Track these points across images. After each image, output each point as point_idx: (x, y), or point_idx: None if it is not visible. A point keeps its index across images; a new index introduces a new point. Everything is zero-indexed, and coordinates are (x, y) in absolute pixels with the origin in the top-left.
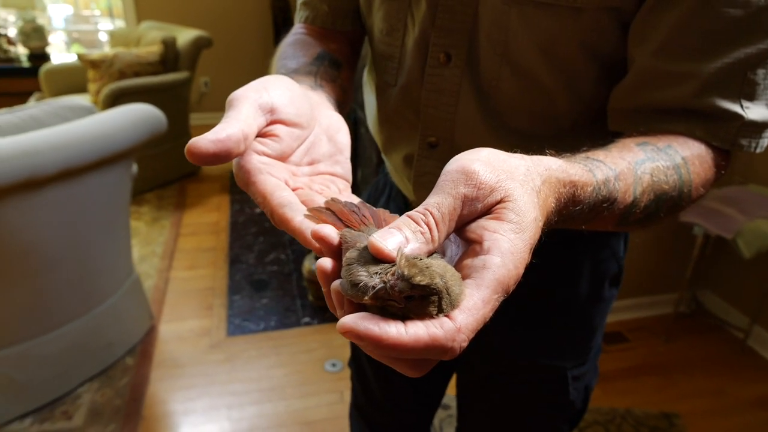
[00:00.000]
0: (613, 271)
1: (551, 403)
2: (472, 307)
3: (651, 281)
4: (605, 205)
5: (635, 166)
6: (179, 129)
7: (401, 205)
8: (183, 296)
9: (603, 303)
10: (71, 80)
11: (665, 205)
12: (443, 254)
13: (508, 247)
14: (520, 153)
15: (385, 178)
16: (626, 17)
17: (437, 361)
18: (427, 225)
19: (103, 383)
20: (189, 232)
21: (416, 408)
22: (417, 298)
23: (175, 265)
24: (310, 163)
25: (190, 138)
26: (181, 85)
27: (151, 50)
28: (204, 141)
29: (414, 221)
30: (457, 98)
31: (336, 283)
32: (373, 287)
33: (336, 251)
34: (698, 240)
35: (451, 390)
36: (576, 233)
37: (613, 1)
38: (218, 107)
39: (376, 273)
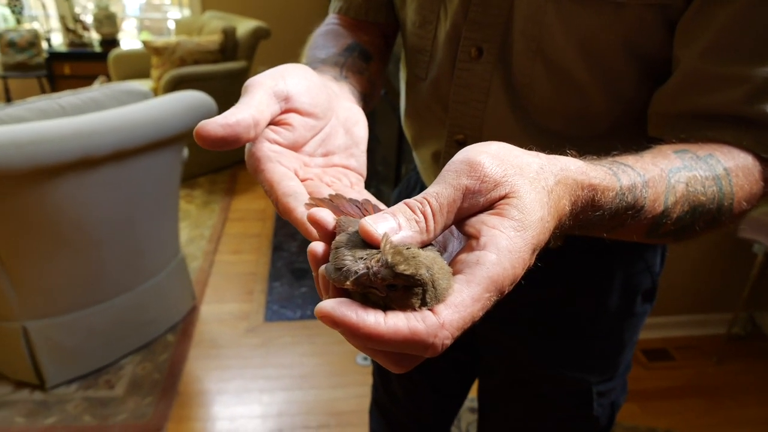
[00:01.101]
0: (647, 285)
1: (574, 417)
2: (459, 303)
3: (703, 299)
4: (630, 212)
5: (669, 174)
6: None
7: None
8: (226, 279)
9: (634, 318)
10: (137, 65)
11: (702, 219)
12: (444, 248)
13: (506, 244)
14: (536, 150)
15: (417, 175)
16: (673, 15)
17: (422, 359)
18: (423, 214)
19: (144, 357)
20: (236, 218)
21: (436, 409)
22: (400, 288)
23: (220, 248)
24: (325, 155)
25: None
26: (239, 74)
27: (211, 39)
28: (212, 124)
29: (410, 209)
30: (486, 95)
31: (323, 267)
32: (356, 272)
33: (330, 237)
34: (758, 258)
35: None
36: (607, 243)
37: None
38: None
39: (362, 258)
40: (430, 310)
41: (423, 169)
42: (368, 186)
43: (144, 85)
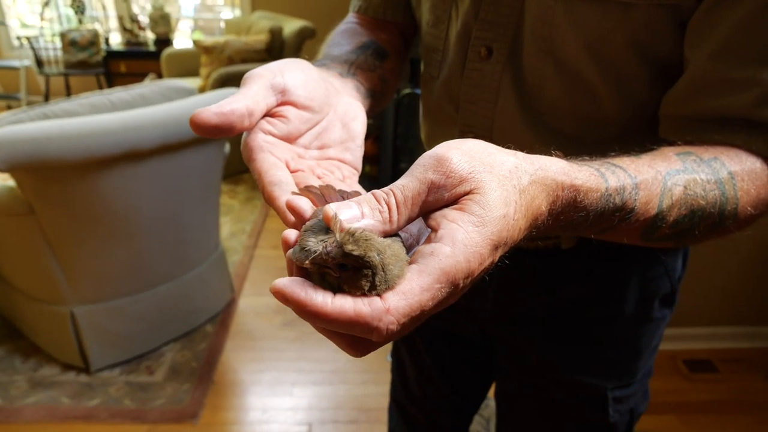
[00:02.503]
0: (665, 290)
1: (589, 422)
2: (407, 290)
3: (753, 310)
4: (618, 214)
5: (666, 176)
6: None
7: None
8: (264, 274)
9: (652, 323)
10: (188, 64)
11: (702, 223)
12: (417, 242)
13: (461, 238)
14: (514, 150)
15: None
16: (683, 15)
17: (376, 345)
18: (388, 205)
19: (184, 345)
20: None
21: (453, 409)
22: (350, 269)
23: (260, 243)
24: (320, 148)
25: None
26: None
27: (258, 38)
28: (207, 112)
29: (375, 199)
30: (496, 95)
31: (290, 251)
32: (314, 252)
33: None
34: None
35: None
36: (622, 246)
37: None
38: None
39: (322, 240)
40: (378, 295)
41: None
42: None
43: (191, 83)
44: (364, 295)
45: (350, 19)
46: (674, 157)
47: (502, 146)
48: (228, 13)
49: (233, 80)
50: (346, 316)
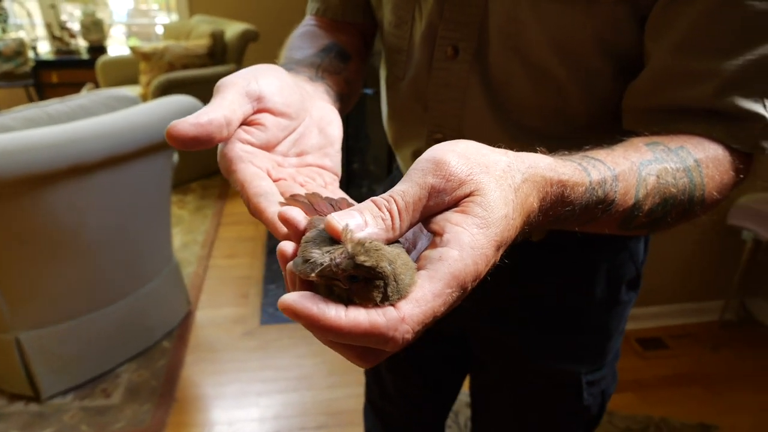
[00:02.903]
0: (631, 274)
1: (565, 407)
2: (420, 298)
3: (696, 287)
4: (601, 206)
5: (640, 167)
6: None
7: None
8: (221, 284)
9: (620, 307)
10: (125, 72)
11: (674, 210)
12: (414, 246)
13: (468, 241)
14: (506, 148)
15: (400, 174)
16: (643, 10)
17: (387, 354)
18: (389, 212)
19: (140, 364)
20: (230, 222)
21: (429, 404)
22: (361, 281)
23: (214, 253)
24: (299, 155)
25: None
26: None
27: (199, 43)
28: (184, 124)
29: (377, 206)
30: (464, 93)
31: (290, 263)
32: (321, 264)
33: (301, 236)
34: (747, 245)
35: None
36: (591, 236)
37: None
38: None
39: (328, 252)
40: (391, 305)
41: (405, 167)
42: (360, 185)
43: (133, 91)
44: (376, 306)
45: (308, 22)
46: (644, 147)
47: None
48: (164, 18)
49: (176, 87)
50: (361, 329)
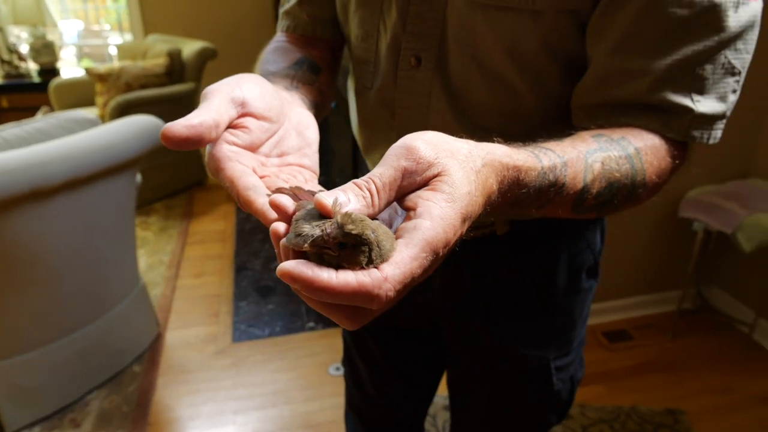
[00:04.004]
0: (590, 262)
1: (537, 394)
2: (399, 261)
3: (654, 279)
4: (552, 189)
5: (586, 155)
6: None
7: None
8: (190, 304)
9: (581, 294)
10: (80, 94)
11: (619, 193)
12: (390, 225)
13: (438, 213)
14: (467, 138)
15: None
16: (583, 18)
17: (374, 314)
18: (369, 191)
19: (111, 390)
20: (196, 241)
21: (409, 403)
22: (349, 247)
23: (182, 273)
24: (280, 155)
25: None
26: (188, 96)
27: (157, 62)
28: (177, 126)
29: (357, 186)
30: (428, 99)
31: (283, 239)
32: (312, 235)
33: (290, 219)
34: (699, 236)
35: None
36: (553, 228)
37: (569, 4)
38: None
39: (317, 225)
40: (375, 267)
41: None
42: None
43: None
44: (362, 269)
45: (279, 38)
46: (590, 138)
47: None
48: (117, 39)
49: (134, 107)
50: (350, 288)
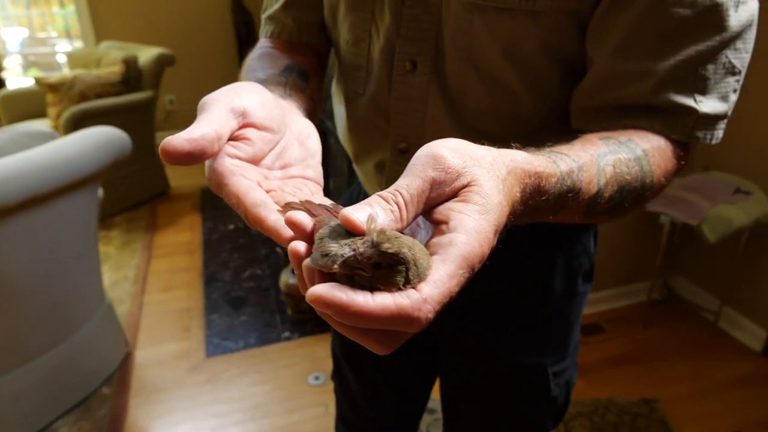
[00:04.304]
0: (585, 266)
1: (534, 400)
2: (437, 279)
3: (624, 272)
4: (570, 195)
5: (598, 158)
6: (146, 149)
7: None
8: (159, 320)
9: (577, 298)
10: (29, 105)
11: (629, 196)
12: (413, 237)
13: (473, 226)
14: (488, 145)
15: (359, 187)
16: (583, 19)
17: (406, 337)
18: (397, 204)
19: (79, 416)
20: (161, 254)
21: (403, 415)
22: (385, 267)
23: (148, 288)
24: (282, 167)
25: (157, 159)
26: (146, 105)
27: (112, 70)
28: (178, 140)
29: (384, 200)
30: (425, 104)
31: (307, 260)
32: (342, 255)
33: (309, 238)
34: (665, 228)
35: (435, 393)
36: (549, 233)
37: (570, 5)
38: (186, 124)
39: (347, 244)
40: (412, 288)
41: (366, 180)
42: None
43: (41, 125)
44: (399, 290)
45: (263, 45)
46: (598, 141)
47: None
48: (66, 46)
49: (90, 117)
50: (389, 312)
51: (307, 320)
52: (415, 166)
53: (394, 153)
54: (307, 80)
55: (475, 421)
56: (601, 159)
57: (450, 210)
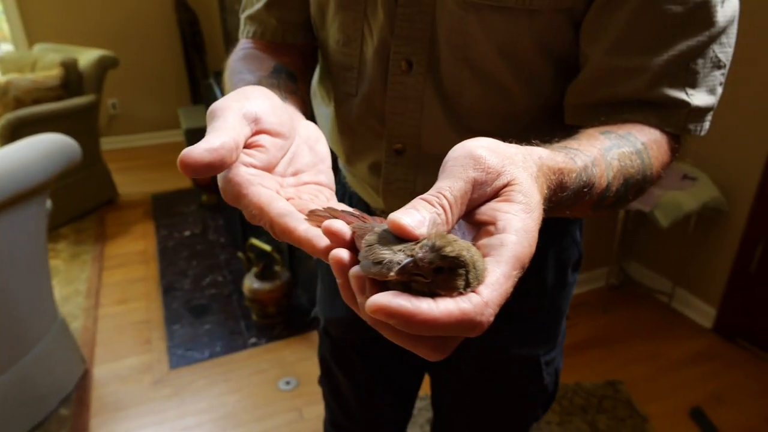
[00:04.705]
0: (575, 257)
1: (527, 390)
2: (494, 281)
3: (584, 259)
4: (585, 189)
5: (605, 152)
6: (90, 156)
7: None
8: (116, 333)
9: (567, 288)
10: None
11: (633, 189)
12: None
13: (521, 225)
14: (516, 143)
15: (343, 188)
16: (577, 17)
17: (460, 341)
18: (442, 207)
19: None
20: (114, 265)
21: (395, 414)
22: (445, 271)
23: (102, 301)
24: (294, 174)
25: (103, 165)
26: (88, 110)
27: (49, 74)
28: (198, 150)
29: (429, 203)
30: (421, 104)
31: (356, 268)
32: (399, 262)
33: (348, 246)
34: (620, 215)
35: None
36: (542, 226)
37: (565, 3)
38: (131, 129)
39: (400, 250)
40: (472, 291)
41: (356, 182)
42: None
43: None
44: (460, 294)
45: (245, 46)
46: (601, 136)
47: (431, 150)
48: None
49: (28, 125)
50: (453, 317)
51: (274, 325)
52: (455, 167)
53: (389, 154)
54: (295, 82)
55: (469, 413)
56: (608, 153)
57: (496, 211)
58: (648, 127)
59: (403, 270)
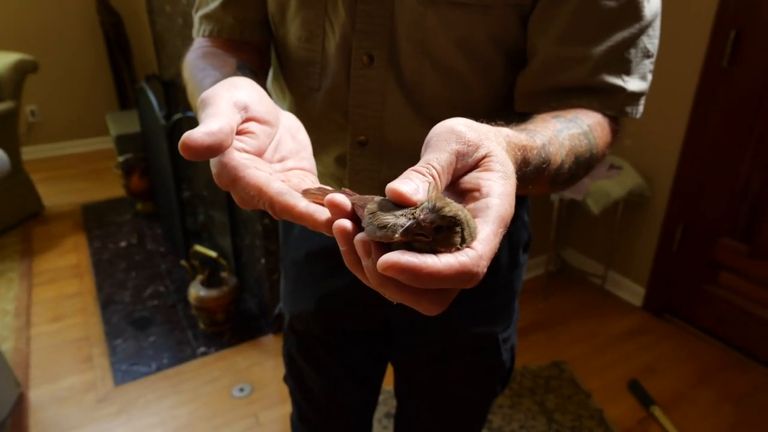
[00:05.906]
0: (525, 238)
1: (487, 367)
2: (485, 238)
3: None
4: (544, 166)
5: (557, 133)
6: (12, 166)
7: None
8: (52, 353)
9: (519, 268)
10: None
11: (582, 166)
12: None
13: (502, 190)
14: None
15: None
16: (524, 12)
17: (456, 293)
18: (432, 176)
19: None
20: (45, 281)
21: (361, 405)
22: (444, 230)
23: (34, 320)
24: (280, 160)
25: (24, 176)
26: (6, 117)
27: None
28: (198, 134)
29: (420, 173)
30: (383, 97)
31: (361, 234)
32: (402, 225)
33: (350, 217)
34: (555, 204)
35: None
36: None
37: None
38: (53, 137)
39: (401, 215)
40: (468, 246)
41: (323, 174)
42: (196, 213)
43: None
44: (457, 249)
45: (201, 44)
46: (552, 119)
47: (393, 140)
48: None
49: None
50: (455, 270)
51: (223, 332)
52: (439, 141)
53: (353, 146)
54: (257, 78)
55: (431, 396)
56: (560, 134)
57: (479, 179)
58: (591, 111)
59: (408, 231)
